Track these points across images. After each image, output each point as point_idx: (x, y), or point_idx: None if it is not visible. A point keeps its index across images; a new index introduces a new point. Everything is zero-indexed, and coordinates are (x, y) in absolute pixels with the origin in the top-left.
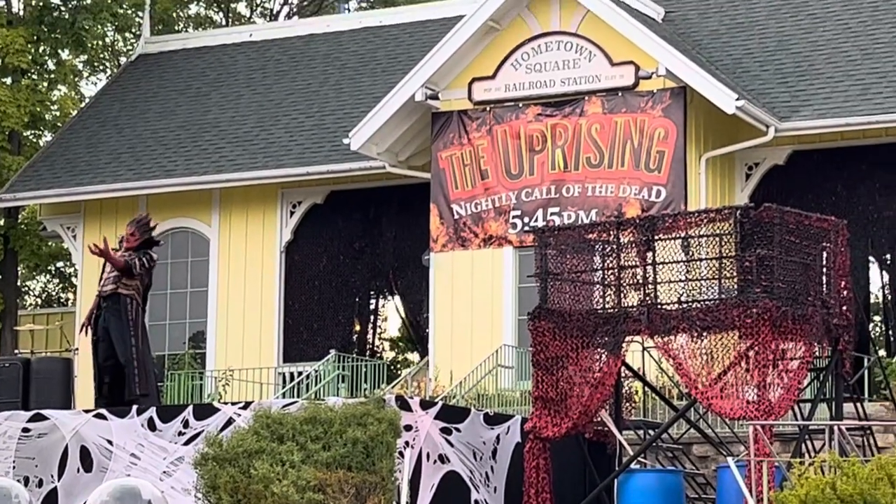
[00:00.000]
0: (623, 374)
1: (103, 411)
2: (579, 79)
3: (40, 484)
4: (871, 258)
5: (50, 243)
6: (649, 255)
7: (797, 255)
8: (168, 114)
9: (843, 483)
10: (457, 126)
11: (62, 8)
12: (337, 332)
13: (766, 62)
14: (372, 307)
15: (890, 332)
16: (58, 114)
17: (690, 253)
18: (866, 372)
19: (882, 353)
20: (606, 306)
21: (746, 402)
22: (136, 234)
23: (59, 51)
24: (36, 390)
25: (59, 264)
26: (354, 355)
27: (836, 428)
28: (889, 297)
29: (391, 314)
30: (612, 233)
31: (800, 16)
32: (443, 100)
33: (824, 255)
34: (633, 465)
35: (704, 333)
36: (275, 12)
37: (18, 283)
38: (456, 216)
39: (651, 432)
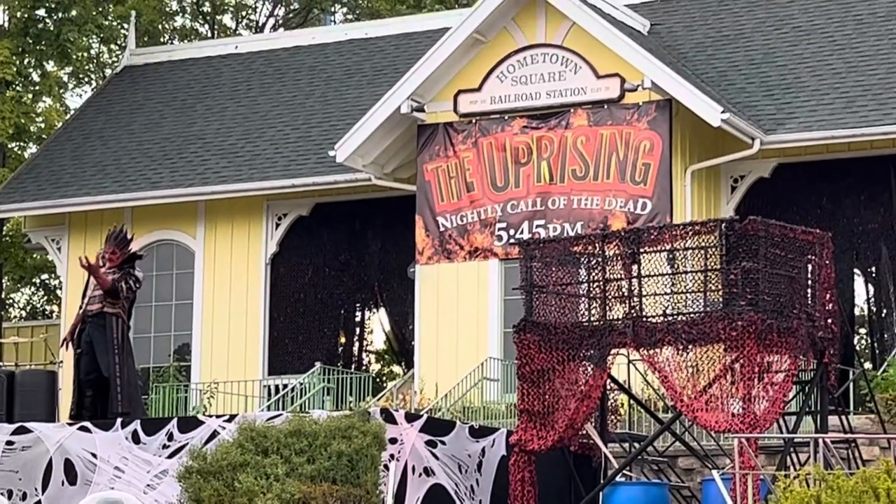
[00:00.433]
0: (608, 387)
1: (87, 424)
2: (565, 91)
3: (24, 497)
4: (856, 271)
5: (35, 255)
6: (635, 267)
7: (782, 267)
8: (153, 126)
9: (827, 496)
10: (442, 138)
11: (47, 20)
12: (322, 344)
13: (751, 75)
14: (357, 319)
15: (875, 345)
16: (43, 126)
17: (676, 266)
18: (851, 385)
19: (867, 365)
20: (592, 319)
21: (731, 414)
22: (117, 252)
23: (45, 62)
24: (20, 403)
25: (44, 276)
26: (340, 368)
27: (821, 441)
28: (874, 310)
29: (376, 326)
30: (597, 245)
31: (785, 29)
32: (428, 112)
33: (809, 267)
34: (618, 478)
35: (690, 346)
36: (260, 24)
37: (3, 296)
38: (441, 228)
39: (636, 445)
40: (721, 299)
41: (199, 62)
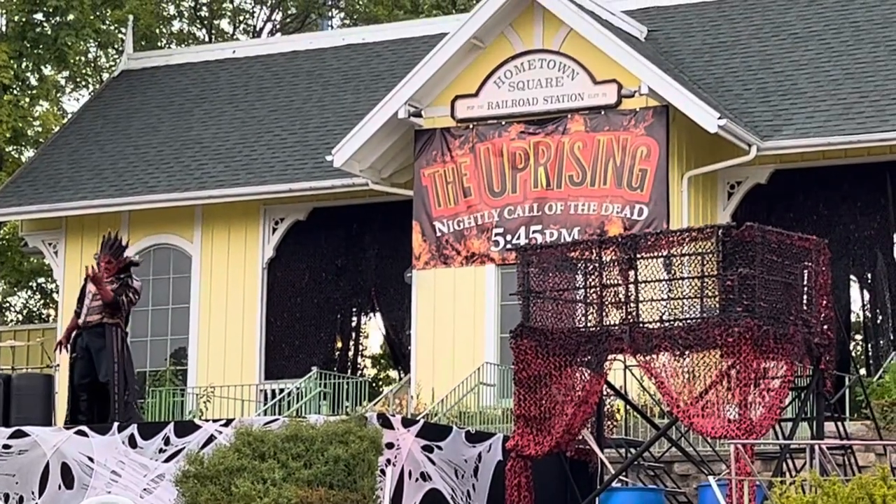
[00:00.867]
0: (605, 392)
1: (84, 428)
2: (562, 97)
3: (21, 501)
4: (851, 277)
5: (31, 259)
6: (631, 273)
7: (779, 274)
8: (150, 130)
9: (824, 503)
10: (440, 143)
11: (45, 24)
12: (319, 349)
13: (748, 81)
14: (354, 324)
15: (869, 351)
16: (40, 129)
17: (672, 271)
18: (847, 391)
19: (862, 371)
20: (589, 324)
21: (728, 420)
22: (112, 262)
23: (42, 66)
24: (17, 406)
25: (41, 280)
26: (336, 372)
27: (817, 447)
28: (869, 316)
29: (373, 331)
30: (594, 251)
31: (782, 35)
32: (426, 117)
33: (806, 274)
34: (614, 484)
35: (686, 352)
36: (258, 29)
37: None
38: (438, 233)
39: (632, 450)
40: (717, 305)
41: (196, 67)
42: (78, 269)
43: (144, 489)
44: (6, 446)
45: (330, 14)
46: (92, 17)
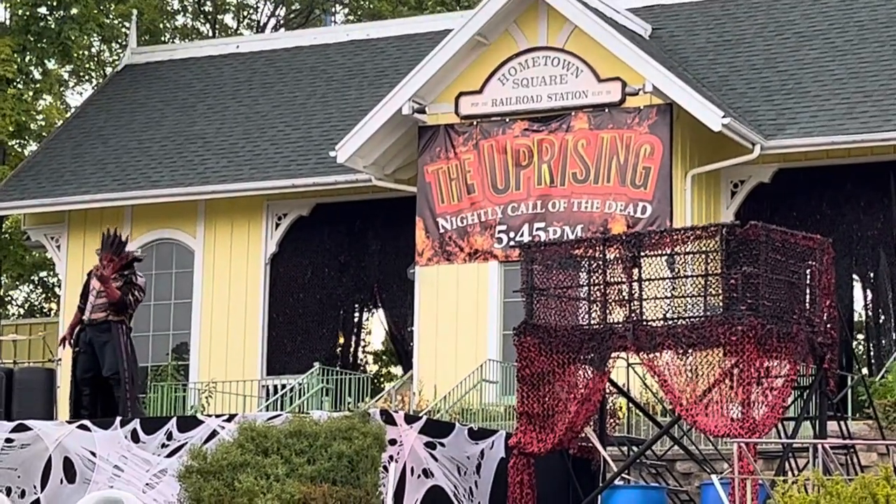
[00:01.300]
0: (607, 390)
1: (87, 422)
2: (566, 94)
3: (23, 495)
4: (854, 276)
5: (34, 253)
6: (635, 271)
7: (783, 273)
8: (154, 125)
9: (826, 502)
10: (443, 140)
11: (49, 18)
12: (321, 344)
13: (752, 80)
14: (356, 320)
15: (871, 351)
16: (43, 123)
17: (676, 270)
18: (850, 390)
19: (864, 371)
20: (592, 322)
21: (731, 419)
22: (114, 259)
23: (46, 60)
24: (18, 400)
25: (43, 274)
26: (338, 368)
27: (819, 446)
28: (871, 316)
29: (375, 327)
30: (598, 249)
31: (786, 34)
32: (430, 114)
33: (809, 273)
34: (616, 482)
35: (689, 350)
36: (262, 24)
37: (1, 293)
38: (441, 230)
39: (635, 448)
40: (721, 304)
41: (200, 61)
42: (80, 264)
43: (147, 484)
44: (8, 440)
45: (334, 10)
46: (96, 12)
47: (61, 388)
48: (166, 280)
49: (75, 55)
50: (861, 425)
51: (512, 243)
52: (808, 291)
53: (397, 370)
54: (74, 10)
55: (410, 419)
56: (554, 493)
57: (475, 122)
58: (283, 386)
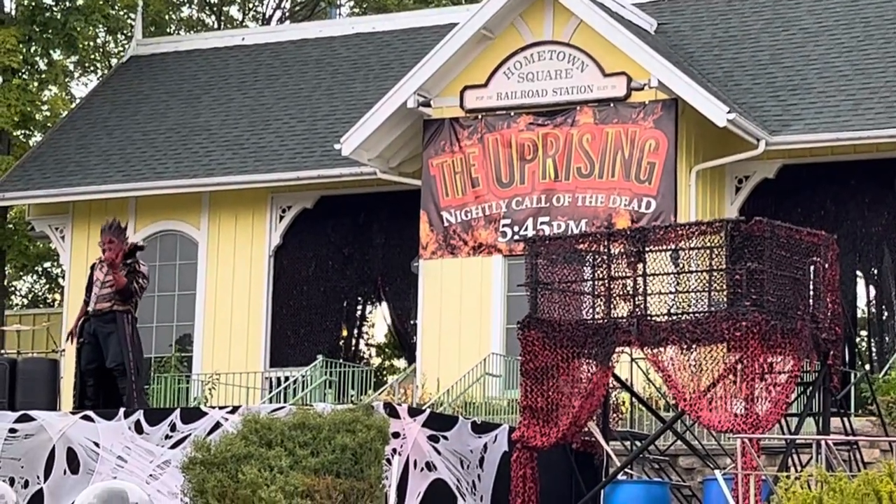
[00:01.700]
0: (611, 385)
1: (90, 413)
2: (571, 89)
3: (26, 485)
4: (858, 272)
5: (38, 244)
6: (640, 266)
7: (787, 269)
8: (159, 116)
9: (829, 498)
10: (448, 133)
11: (54, 8)
12: (324, 337)
13: (757, 76)
14: (360, 313)
15: (874, 347)
16: (48, 114)
17: (680, 265)
18: (853, 387)
19: (867, 367)
20: (596, 317)
21: (734, 415)
22: (115, 241)
23: (51, 51)
24: (22, 391)
25: (47, 265)
26: (341, 361)
27: (823, 442)
28: (875, 312)
29: (379, 320)
30: (602, 243)
31: (792, 30)
32: (435, 107)
33: (813, 269)
34: (619, 476)
35: (693, 346)
36: (267, 16)
37: (5, 283)
38: (446, 224)
39: (638, 443)
40: (725, 299)
41: (205, 53)
42: (84, 255)
43: (150, 475)
44: (12, 430)
45: (339, 2)
46: (101, 3)
47: (65, 378)
48: (170, 271)
49: (81, 46)
50: (864, 422)
51: (516, 237)
52: (812, 287)
53: (400, 363)
54: (80, 1)
55: (414, 412)
56: (557, 487)
57: (480, 116)
58: (287, 378)
